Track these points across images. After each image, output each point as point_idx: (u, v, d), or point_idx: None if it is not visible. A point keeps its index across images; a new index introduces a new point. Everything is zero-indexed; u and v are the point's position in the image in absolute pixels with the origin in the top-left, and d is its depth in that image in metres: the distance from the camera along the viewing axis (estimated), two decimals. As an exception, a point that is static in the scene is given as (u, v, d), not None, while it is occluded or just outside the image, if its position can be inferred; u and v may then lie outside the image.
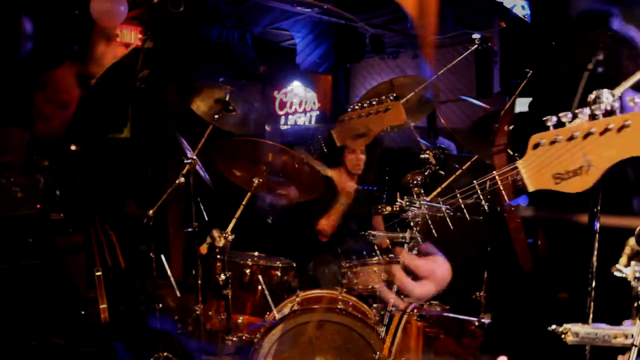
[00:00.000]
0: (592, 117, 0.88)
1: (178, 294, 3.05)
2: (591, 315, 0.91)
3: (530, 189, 0.97)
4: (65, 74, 4.76)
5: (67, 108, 4.77)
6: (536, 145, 0.95)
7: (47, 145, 4.39)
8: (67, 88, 4.77)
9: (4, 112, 4.16)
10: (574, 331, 0.88)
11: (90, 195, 4.71)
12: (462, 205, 1.06)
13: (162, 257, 2.97)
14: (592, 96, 0.87)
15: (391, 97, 1.46)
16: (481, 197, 1.03)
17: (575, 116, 0.89)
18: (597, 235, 0.93)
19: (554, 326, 0.89)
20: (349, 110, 1.52)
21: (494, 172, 1.01)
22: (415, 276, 1.17)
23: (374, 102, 1.48)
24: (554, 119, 0.91)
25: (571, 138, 0.90)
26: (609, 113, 0.87)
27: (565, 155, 0.91)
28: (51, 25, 4.69)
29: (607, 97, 0.87)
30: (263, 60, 7.44)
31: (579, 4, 1.22)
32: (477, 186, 1.04)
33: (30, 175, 3.87)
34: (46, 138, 4.57)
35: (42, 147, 4.27)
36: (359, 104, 1.51)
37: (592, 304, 0.92)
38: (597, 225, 0.92)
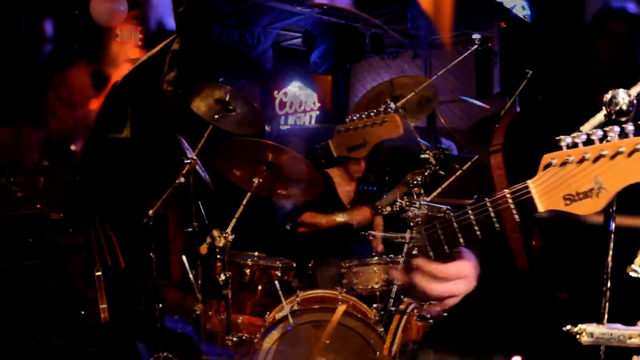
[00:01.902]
0: (605, 138, 0.89)
1: (199, 297, 3.05)
2: (606, 316, 0.91)
3: (541, 209, 0.97)
4: (79, 74, 4.78)
5: (80, 107, 4.79)
6: (547, 166, 0.95)
7: (52, 144, 4.40)
8: (81, 88, 4.79)
9: (18, 111, 4.17)
10: (588, 331, 0.88)
11: (90, 195, 4.71)
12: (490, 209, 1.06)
13: (184, 258, 2.97)
14: (607, 96, 0.87)
15: (389, 109, 1.47)
16: (492, 214, 1.02)
17: (589, 137, 0.90)
18: (612, 235, 0.93)
19: (568, 326, 0.89)
20: (347, 120, 1.54)
21: (505, 190, 1.00)
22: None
23: (372, 114, 1.49)
24: (568, 139, 0.92)
25: (582, 160, 0.91)
26: (624, 113, 0.86)
27: (576, 177, 0.92)
28: (51, 25, 4.69)
29: (622, 97, 0.87)
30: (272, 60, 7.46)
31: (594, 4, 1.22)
32: (488, 204, 1.03)
33: (30, 175, 3.88)
34: (59, 137, 4.59)
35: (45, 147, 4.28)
36: (357, 115, 1.53)
37: (607, 304, 0.91)
38: (613, 225, 0.92)
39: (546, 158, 0.95)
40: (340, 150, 1.55)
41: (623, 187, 0.88)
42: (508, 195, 1.00)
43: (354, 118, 1.52)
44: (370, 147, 1.50)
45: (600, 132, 0.88)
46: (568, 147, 0.92)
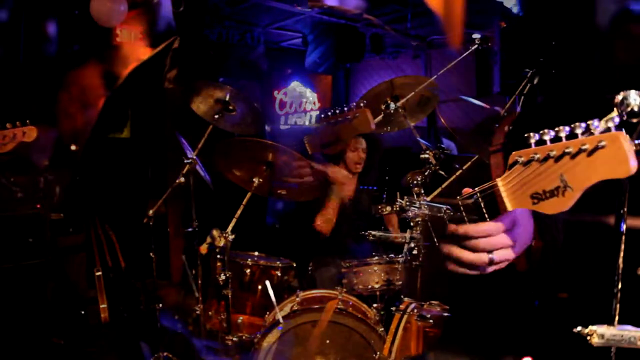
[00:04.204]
0: (572, 135, 0.87)
1: (199, 297, 3.05)
2: (617, 317, 0.90)
3: (509, 208, 0.96)
4: (91, 74, 4.78)
5: (91, 107, 4.80)
6: (514, 163, 0.94)
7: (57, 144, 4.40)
8: (93, 87, 4.79)
9: (30, 111, 4.16)
10: (599, 333, 0.87)
11: (90, 195, 4.71)
12: (461, 207, 1.06)
13: (184, 258, 2.98)
14: (619, 97, 0.87)
15: (361, 104, 1.47)
16: (464, 212, 1.03)
17: (557, 134, 0.88)
18: (623, 237, 0.91)
19: (579, 328, 0.89)
20: (321, 116, 1.54)
21: (476, 189, 1.00)
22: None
23: (344, 109, 1.50)
24: (536, 136, 0.90)
25: (547, 158, 0.89)
26: (636, 114, 0.86)
27: (542, 175, 0.90)
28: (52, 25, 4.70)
29: (634, 98, 0.86)
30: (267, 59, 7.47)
31: (607, 7, 1.21)
32: (460, 202, 1.04)
33: (30, 175, 3.87)
34: (70, 137, 4.60)
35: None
36: (331, 111, 1.53)
37: (617, 305, 0.91)
38: (624, 227, 0.91)
39: (513, 156, 0.94)
40: (314, 147, 1.56)
41: (588, 185, 0.86)
42: (478, 194, 1.00)
43: (329, 114, 1.52)
44: (344, 143, 1.51)
45: (567, 129, 0.87)
46: (536, 144, 0.91)
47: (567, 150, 0.87)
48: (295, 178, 2.99)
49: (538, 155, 0.90)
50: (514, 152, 0.94)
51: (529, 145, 0.91)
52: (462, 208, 1.03)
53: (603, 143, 0.83)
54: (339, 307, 2.73)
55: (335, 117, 1.51)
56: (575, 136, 0.86)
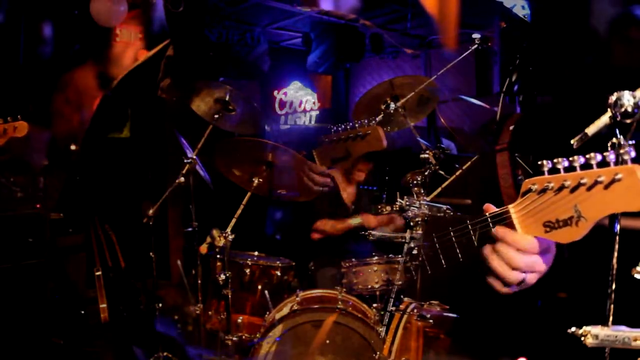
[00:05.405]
0: (587, 165, 0.87)
1: (199, 297, 3.05)
2: (611, 318, 0.90)
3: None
4: (86, 75, 4.78)
5: (85, 109, 4.80)
6: (527, 191, 0.94)
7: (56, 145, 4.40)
8: (88, 89, 4.79)
9: (29, 112, 4.16)
10: (593, 333, 0.87)
11: (90, 195, 4.71)
12: (470, 230, 1.05)
13: (179, 262, 2.99)
14: (612, 98, 0.87)
15: (373, 121, 1.47)
16: (474, 238, 1.02)
17: (571, 163, 0.88)
18: (617, 237, 0.91)
19: (573, 328, 0.89)
20: (332, 131, 1.53)
21: (487, 214, 1.00)
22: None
23: (356, 125, 1.49)
24: (549, 164, 0.90)
25: (561, 187, 0.89)
26: (630, 115, 0.85)
27: (556, 205, 0.91)
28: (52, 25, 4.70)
29: (628, 99, 0.86)
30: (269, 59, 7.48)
31: (604, 10, 1.21)
32: (469, 226, 1.04)
33: (30, 175, 3.87)
34: (64, 138, 4.60)
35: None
36: (342, 126, 1.52)
37: (612, 306, 0.91)
38: (618, 227, 0.91)
39: (527, 183, 0.94)
40: (324, 161, 1.55)
41: (602, 217, 0.86)
42: (489, 220, 1.00)
43: (339, 129, 1.52)
44: (353, 159, 1.51)
45: (582, 159, 0.87)
46: (549, 172, 0.91)
47: (582, 181, 0.86)
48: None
49: (552, 185, 0.90)
50: (527, 180, 0.94)
51: (542, 172, 0.91)
52: (471, 231, 1.03)
53: (619, 176, 0.82)
54: (338, 307, 2.72)
55: (346, 133, 1.50)
56: (590, 166, 0.86)
